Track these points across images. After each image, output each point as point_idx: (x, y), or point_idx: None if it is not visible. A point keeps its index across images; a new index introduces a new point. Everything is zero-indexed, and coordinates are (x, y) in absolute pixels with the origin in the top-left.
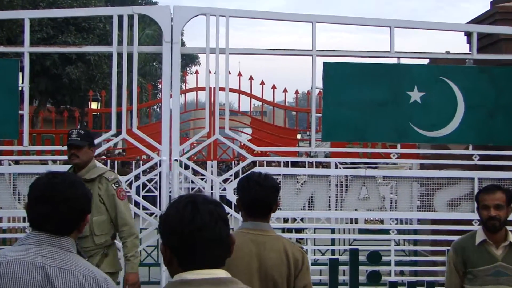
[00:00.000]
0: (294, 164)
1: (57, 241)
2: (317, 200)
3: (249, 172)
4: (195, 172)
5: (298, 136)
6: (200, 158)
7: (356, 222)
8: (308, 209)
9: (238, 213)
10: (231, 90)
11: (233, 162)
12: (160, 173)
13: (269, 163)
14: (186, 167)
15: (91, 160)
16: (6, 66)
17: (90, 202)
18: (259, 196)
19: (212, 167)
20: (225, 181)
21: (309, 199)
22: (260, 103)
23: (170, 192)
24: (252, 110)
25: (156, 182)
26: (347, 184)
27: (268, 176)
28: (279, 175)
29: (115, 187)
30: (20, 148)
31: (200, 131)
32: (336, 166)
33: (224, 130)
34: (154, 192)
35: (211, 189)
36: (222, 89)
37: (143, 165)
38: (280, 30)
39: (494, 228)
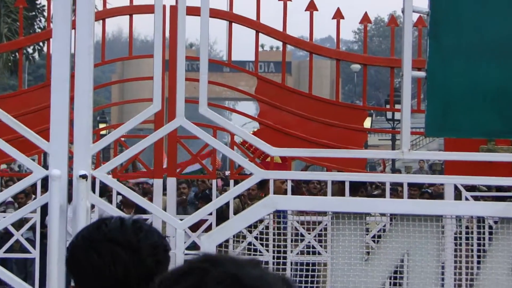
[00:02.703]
0: (358, 189)
1: None
2: (414, 274)
3: (96, 221)
4: (127, 205)
5: (367, 123)
6: (138, 170)
7: None
8: None
9: None
10: (214, 13)
11: (215, 182)
12: (44, 206)
13: (299, 186)
14: (103, 191)
15: None
16: None
17: None
18: (126, 272)
19: (167, 195)
20: (195, 226)
21: (395, 272)
22: (279, 44)
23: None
24: (260, 60)
25: (33, 229)
26: (483, 238)
27: (143, 227)
28: (325, 213)
29: None
30: None
31: (143, 110)
32: (459, 196)
33: (197, 107)
34: (29, 252)
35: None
36: (192, 11)
37: (4, 187)
38: None
39: None
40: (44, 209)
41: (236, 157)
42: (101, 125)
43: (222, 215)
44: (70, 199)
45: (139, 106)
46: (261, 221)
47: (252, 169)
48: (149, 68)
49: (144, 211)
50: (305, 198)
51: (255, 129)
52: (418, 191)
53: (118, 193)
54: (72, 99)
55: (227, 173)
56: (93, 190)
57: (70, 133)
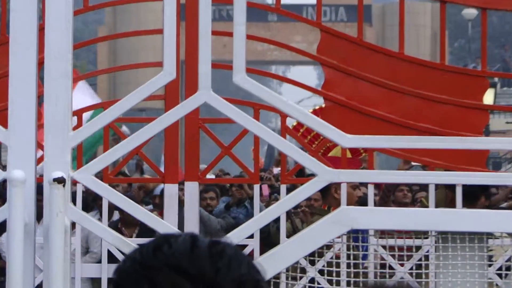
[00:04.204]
0: (476, 198)
1: None
2: None
3: (155, 239)
4: (126, 222)
5: (489, 98)
6: (144, 174)
7: None
8: None
9: None
10: None
11: (258, 189)
12: (1, 225)
13: (388, 194)
14: (87, 205)
15: None
16: None
17: None
18: None
19: (185, 206)
20: None
21: None
22: None
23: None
24: (324, 4)
25: None
26: None
27: (226, 251)
28: (426, 234)
29: None
30: None
31: (147, 80)
32: None
33: (229, 75)
34: None
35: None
36: None
37: None
38: None
39: None
40: (1, 229)
41: (291, 150)
42: None
43: (268, 239)
44: (39, 214)
45: (140, 74)
46: (328, 246)
47: (315, 168)
48: (155, 17)
49: (151, 231)
50: (396, 211)
51: (317, 107)
52: None
53: (115, 206)
54: (41, 64)
55: (276, 170)
56: (74, 201)
57: (39, 116)
